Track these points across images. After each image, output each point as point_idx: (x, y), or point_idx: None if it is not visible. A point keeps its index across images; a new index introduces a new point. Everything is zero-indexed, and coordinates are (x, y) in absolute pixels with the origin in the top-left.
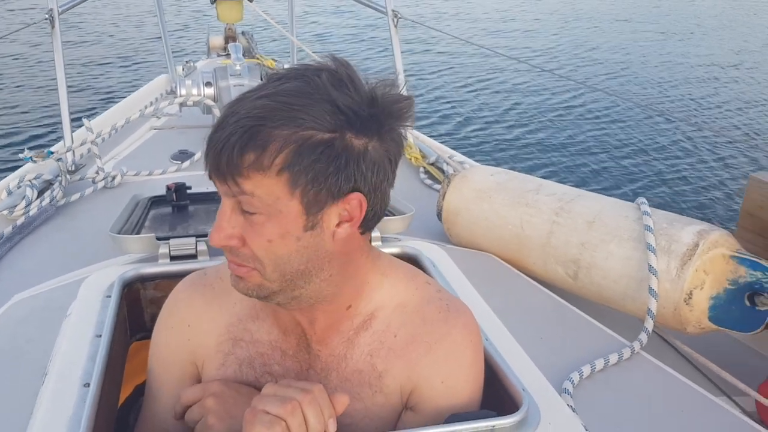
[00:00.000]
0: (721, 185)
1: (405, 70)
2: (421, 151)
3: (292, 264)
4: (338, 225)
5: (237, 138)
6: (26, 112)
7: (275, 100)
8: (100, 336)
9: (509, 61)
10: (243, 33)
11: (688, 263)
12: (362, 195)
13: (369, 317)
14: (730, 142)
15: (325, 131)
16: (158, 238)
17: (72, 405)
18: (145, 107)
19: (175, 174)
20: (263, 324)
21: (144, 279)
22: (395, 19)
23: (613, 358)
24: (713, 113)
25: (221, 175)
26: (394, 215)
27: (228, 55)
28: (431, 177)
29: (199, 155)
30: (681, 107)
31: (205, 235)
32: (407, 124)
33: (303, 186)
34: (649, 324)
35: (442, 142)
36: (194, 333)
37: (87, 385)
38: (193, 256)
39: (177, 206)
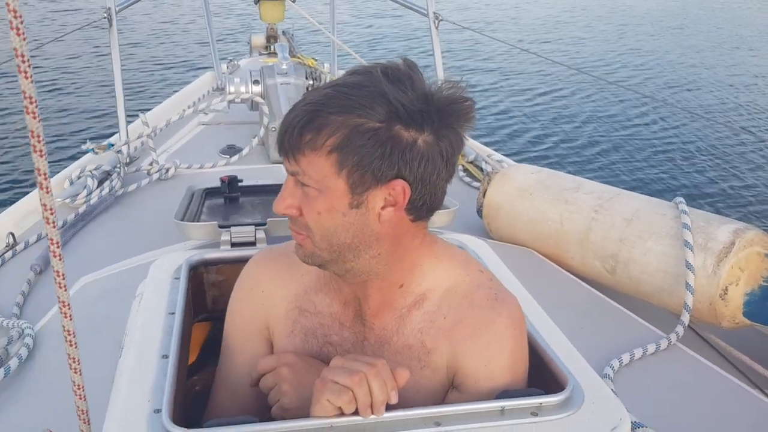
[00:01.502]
0: (756, 186)
1: (445, 71)
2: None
3: (339, 236)
4: (383, 208)
5: (299, 120)
6: (83, 106)
7: (337, 90)
8: (173, 313)
9: (548, 63)
10: (284, 33)
11: (725, 260)
12: (406, 183)
13: (421, 297)
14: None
15: (375, 121)
16: (220, 226)
17: (153, 375)
18: (194, 103)
19: (224, 167)
20: (325, 297)
21: (207, 263)
22: (436, 21)
23: (651, 348)
24: (751, 116)
25: (285, 152)
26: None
27: (269, 54)
28: (470, 175)
29: (247, 150)
30: (718, 110)
31: (264, 224)
32: (466, 124)
33: (349, 167)
34: (686, 317)
35: (480, 142)
36: (268, 299)
37: (165, 356)
38: (252, 243)
39: (229, 198)
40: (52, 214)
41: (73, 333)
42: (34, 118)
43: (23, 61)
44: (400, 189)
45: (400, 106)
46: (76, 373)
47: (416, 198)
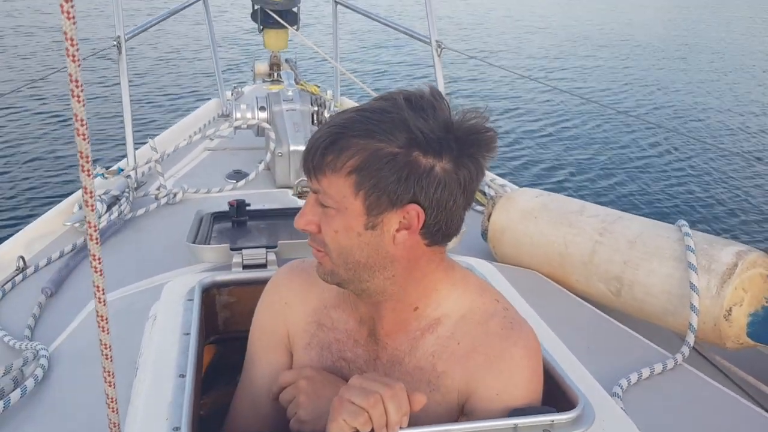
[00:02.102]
0: (757, 208)
1: (447, 98)
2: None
3: (354, 255)
4: (398, 231)
5: (322, 142)
6: (91, 131)
7: (361, 114)
8: (188, 334)
9: (549, 90)
10: (287, 60)
11: (728, 281)
12: (420, 207)
13: (435, 322)
14: (765, 167)
15: (394, 146)
16: (232, 249)
17: (170, 393)
18: (199, 129)
19: (231, 192)
20: (342, 313)
21: (219, 285)
22: (438, 49)
23: (658, 368)
24: (749, 140)
25: (308, 171)
26: None
27: (272, 81)
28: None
29: (253, 175)
30: (717, 134)
31: (275, 246)
32: (488, 154)
33: (366, 189)
34: (691, 338)
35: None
36: (290, 310)
37: (182, 376)
38: (263, 265)
39: (237, 221)
40: (91, 197)
41: (110, 347)
42: (79, 101)
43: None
44: (414, 213)
45: (420, 133)
46: (110, 386)
47: (431, 223)
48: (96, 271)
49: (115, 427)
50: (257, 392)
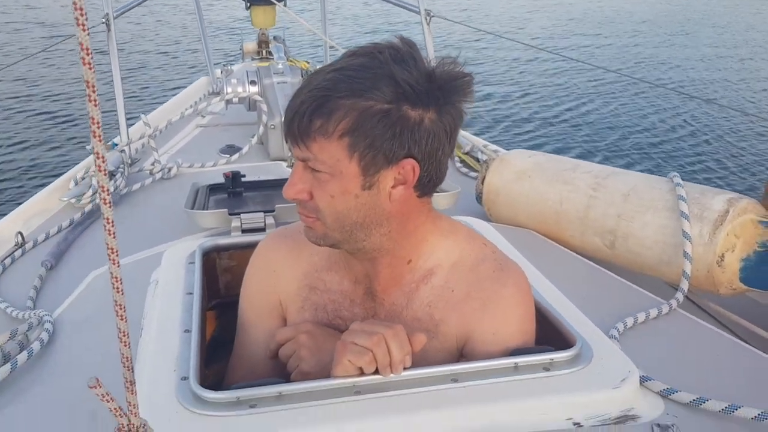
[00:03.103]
0: (746, 160)
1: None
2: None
3: (351, 217)
4: (393, 187)
5: (307, 107)
6: (84, 109)
7: (343, 74)
8: (191, 293)
9: (538, 52)
10: (275, 38)
11: (720, 228)
12: (415, 161)
13: (428, 273)
14: (753, 121)
15: (383, 102)
16: (230, 213)
17: (177, 347)
18: (191, 106)
19: (225, 166)
20: (335, 276)
21: (220, 249)
22: (428, 17)
23: (653, 312)
24: (738, 93)
25: (294, 138)
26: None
27: (261, 59)
28: (467, 165)
29: (246, 149)
30: (705, 88)
31: (272, 210)
32: (466, 99)
33: (361, 150)
34: (685, 285)
35: (474, 134)
36: (279, 278)
37: (187, 331)
38: (262, 229)
39: (233, 192)
40: (103, 161)
41: (124, 307)
42: (90, 68)
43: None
44: (410, 168)
45: (408, 86)
46: (126, 346)
47: (424, 175)
48: (109, 234)
49: (131, 385)
50: (253, 357)
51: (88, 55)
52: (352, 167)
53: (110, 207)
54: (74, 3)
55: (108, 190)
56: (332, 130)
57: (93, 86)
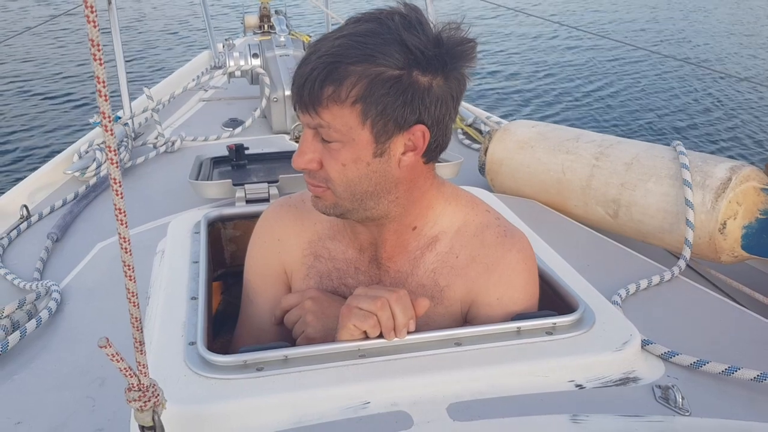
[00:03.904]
0: (750, 129)
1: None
2: (458, 113)
3: (362, 185)
4: (403, 153)
5: (318, 73)
6: (86, 82)
7: (352, 39)
8: (197, 262)
9: (540, 22)
10: (277, 11)
11: (722, 195)
12: (425, 127)
13: (433, 239)
14: (757, 89)
15: (394, 68)
16: (235, 184)
17: (184, 314)
18: (193, 80)
19: (228, 139)
20: (339, 244)
21: (224, 219)
22: None
23: (656, 279)
24: (740, 62)
25: (304, 106)
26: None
27: (263, 33)
28: (469, 137)
29: (249, 122)
30: (708, 58)
31: (276, 181)
32: (470, 64)
33: (373, 117)
34: (687, 252)
35: (476, 106)
36: (283, 246)
37: (194, 298)
38: (266, 200)
39: (236, 165)
40: (110, 121)
41: (133, 267)
42: (95, 26)
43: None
44: (420, 134)
45: (418, 52)
46: (135, 306)
47: (432, 140)
48: (117, 195)
49: (141, 345)
50: (258, 324)
51: (92, 13)
52: (365, 134)
53: (117, 167)
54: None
55: (115, 150)
56: (345, 97)
57: (98, 45)
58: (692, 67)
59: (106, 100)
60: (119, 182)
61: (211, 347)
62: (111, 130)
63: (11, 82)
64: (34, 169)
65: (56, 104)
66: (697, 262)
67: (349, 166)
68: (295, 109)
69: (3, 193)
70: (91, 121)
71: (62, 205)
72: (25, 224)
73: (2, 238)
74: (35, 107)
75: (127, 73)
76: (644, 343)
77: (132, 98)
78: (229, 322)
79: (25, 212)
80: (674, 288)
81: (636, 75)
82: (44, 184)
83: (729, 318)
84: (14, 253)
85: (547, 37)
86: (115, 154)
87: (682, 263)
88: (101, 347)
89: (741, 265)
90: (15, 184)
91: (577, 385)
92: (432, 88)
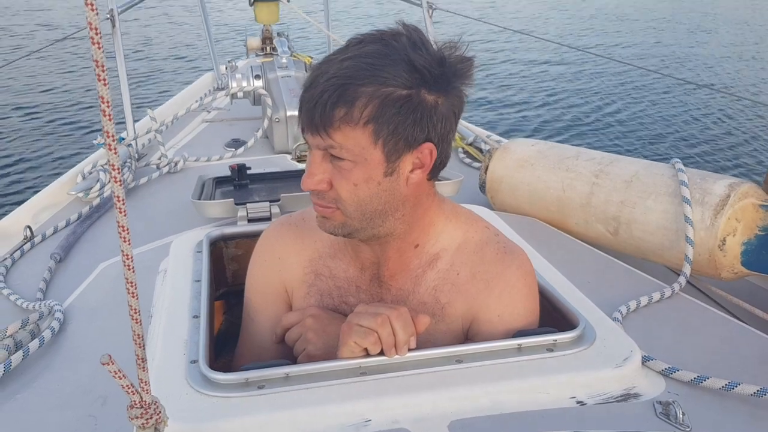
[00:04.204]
0: (747, 146)
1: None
2: (459, 132)
3: (373, 204)
4: (411, 171)
5: (328, 95)
6: (91, 104)
7: (360, 61)
8: (199, 281)
9: (540, 43)
10: (279, 34)
11: (721, 212)
12: (433, 144)
13: (434, 257)
14: (755, 107)
15: (403, 88)
16: (236, 203)
17: (186, 332)
18: (196, 101)
19: (230, 160)
20: (340, 262)
21: (226, 238)
22: (430, 10)
23: (656, 296)
24: (737, 81)
25: (314, 128)
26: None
27: (265, 55)
28: (470, 156)
29: (251, 142)
30: (706, 76)
31: (278, 200)
32: (468, 82)
33: (385, 136)
34: (687, 269)
35: (477, 125)
36: (284, 265)
37: (196, 317)
38: (268, 219)
39: (239, 185)
40: (114, 141)
41: (135, 284)
42: (99, 48)
43: (96, 33)
44: (428, 151)
45: (425, 71)
46: (137, 323)
47: (437, 158)
48: (120, 212)
49: (143, 362)
50: (260, 343)
51: (97, 35)
52: (377, 154)
53: (120, 185)
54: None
55: (118, 168)
56: (357, 118)
57: (102, 66)
58: (690, 86)
59: (110, 120)
60: (122, 199)
61: (213, 367)
62: (114, 148)
63: (18, 106)
64: (38, 189)
65: (61, 126)
66: (698, 279)
67: (361, 185)
68: (303, 132)
69: (7, 213)
70: (95, 142)
71: (65, 226)
72: (28, 245)
73: (6, 258)
74: (40, 130)
75: (131, 95)
76: (645, 360)
77: (136, 120)
78: (231, 343)
79: (28, 233)
80: (675, 304)
81: (635, 94)
82: (48, 204)
83: (729, 334)
84: (18, 273)
85: (546, 57)
86: (119, 172)
87: (682, 280)
88: (103, 364)
89: (741, 281)
90: (20, 204)
91: (578, 402)
92: (438, 106)
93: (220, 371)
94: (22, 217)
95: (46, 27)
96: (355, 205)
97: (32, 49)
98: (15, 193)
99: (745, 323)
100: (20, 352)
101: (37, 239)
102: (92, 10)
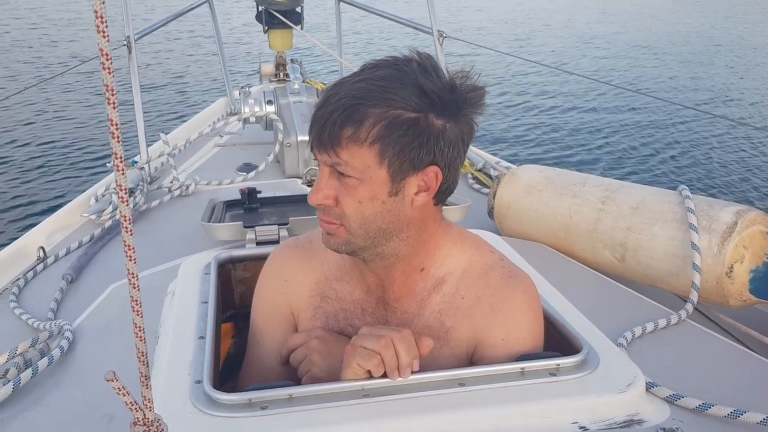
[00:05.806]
0: (755, 173)
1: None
2: (468, 158)
3: (376, 223)
4: (416, 193)
5: (338, 115)
6: (105, 128)
7: (371, 83)
8: (206, 302)
9: (547, 70)
10: (292, 60)
11: (729, 239)
12: (438, 168)
13: (440, 281)
14: (762, 134)
15: (411, 111)
16: (245, 226)
17: (191, 353)
18: (209, 126)
19: (241, 183)
20: (347, 285)
21: (235, 260)
22: (440, 38)
23: (662, 322)
24: (743, 108)
25: (323, 145)
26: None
27: (278, 81)
28: (479, 182)
29: (263, 166)
30: (713, 103)
31: (286, 223)
32: (478, 110)
33: (390, 157)
34: (694, 296)
35: (487, 151)
36: (290, 287)
37: (202, 337)
38: (276, 242)
39: (249, 208)
40: (122, 162)
41: (140, 303)
42: (110, 73)
43: (107, 59)
44: (433, 175)
45: (435, 96)
46: (141, 341)
47: (443, 182)
48: (126, 231)
49: (146, 380)
50: (265, 365)
51: (107, 60)
52: (382, 173)
53: (127, 205)
54: (95, 11)
55: (126, 188)
56: (364, 137)
57: (112, 90)
58: (697, 113)
59: (118, 142)
60: (129, 219)
61: (220, 390)
62: (123, 170)
63: (32, 127)
64: (52, 211)
65: (75, 149)
66: (706, 306)
67: (365, 203)
68: (312, 149)
69: (21, 234)
70: (108, 165)
71: (78, 247)
72: (41, 265)
73: (19, 278)
74: (54, 151)
75: (145, 119)
76: (649, 386)
77: (149, 144)
78: (239, 366)
79: (41, 254)
80: (681, 331)
81: (642, 120)
82: (61, 226)
83: (736, 361)
84: (30, 293)
85: (555, 84)
86: (125, 192)
87: (689, 307)
88: (108, 380)
89: (750, 309)
90: (34, 226)
91: (581, 427)
92: (446, 132)
93: (225, 392)
94: (35, 238)
95: (64, 51)
96: (359, 222)
97: (52, 74)
98: (31, 215)
99: (754, 351)
100: (29, 371)
101: (49, 260)
102: (104, 37)
